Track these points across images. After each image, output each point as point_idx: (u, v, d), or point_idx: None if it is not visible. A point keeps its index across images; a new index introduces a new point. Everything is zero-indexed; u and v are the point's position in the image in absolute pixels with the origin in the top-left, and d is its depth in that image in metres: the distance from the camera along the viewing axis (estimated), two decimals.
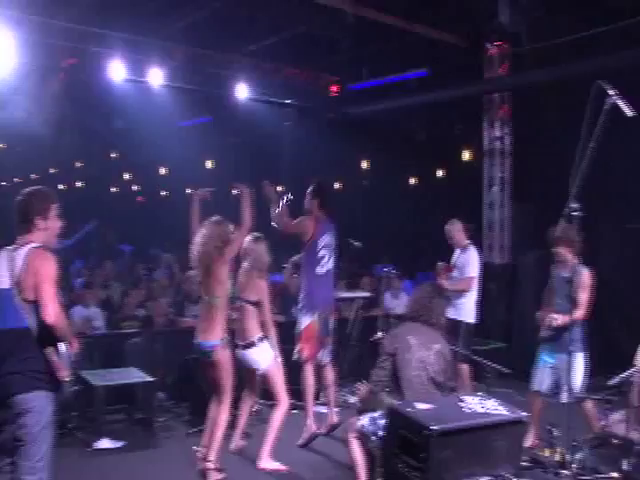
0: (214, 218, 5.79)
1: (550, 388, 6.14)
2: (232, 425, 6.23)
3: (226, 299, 5.67)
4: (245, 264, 6.13)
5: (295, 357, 6.69)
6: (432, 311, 5.01)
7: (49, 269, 3.93)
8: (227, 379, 5.64)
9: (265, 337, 6.01)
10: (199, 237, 5.70)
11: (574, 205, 4.93)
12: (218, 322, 5.59)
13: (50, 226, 4.11)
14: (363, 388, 5.14)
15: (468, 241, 7.79)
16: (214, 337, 5.56)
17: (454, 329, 7.24)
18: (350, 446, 4.91)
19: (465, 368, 7.43)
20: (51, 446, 4.00)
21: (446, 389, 4.95)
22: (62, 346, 3.99)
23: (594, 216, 5.44)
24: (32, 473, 3.91)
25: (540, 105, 9.84)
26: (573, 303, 5.81)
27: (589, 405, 6.04)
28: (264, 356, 5.98)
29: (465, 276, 7.54)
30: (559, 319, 5.88)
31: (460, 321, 7.38)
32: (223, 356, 5.58)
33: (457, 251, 7.81)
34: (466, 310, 7.49)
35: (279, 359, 6.09)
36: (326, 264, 6.68)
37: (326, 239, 6.70)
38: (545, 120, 9.59)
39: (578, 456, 5.25)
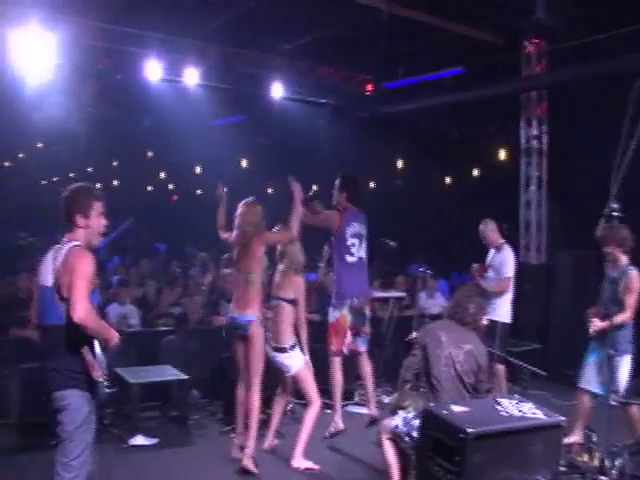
0: (248, 199, 6.02)
1: (596, 387, 6.05)
2: (265, 424, 6.25)
3: (261, 276, 5.85)
4: (281, 265, 6.13)
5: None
6: (467, 310, 4.96)
7: (84, 267, 3.89)
8: (259, 359, 5.76)
9: (297, 343, 6.04)
10: (236, 219, 5.91)
11: (614, 205, 4.84)
12: (254, 298, 5.76)
13: (92, 224, 4.06)
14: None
15: (502, 240, 7.71)
16: (251, 312, 5.73)
17: (490, 329, 7.15)
18: (383, 447, 4.89)
19: (501, 369, 7.36)
20: (89, 446, 3.99)
21: (481, 391, 4.89)
22: (97, 345, 3.99)
23: (635, 216, 5.32)
24: (68, 471, 3.94)
25: (577, 103, 9.67)
26: (619, 305, 5.77)
27: (635, 409, 5.94)
28: (294, 362, 6.01)
29: (502, 277, 7.46)
30: (597, 325, 5.82)
31: (496, 321, 7.29)
32: (258, 333, 5.73)
33: (492, 251, 7.73)
34: (502, 310, 7.43)
35: (309, 361, 6.10)
36: (357, 252, 6.62)
37: (355, 227, 6.65)
38: (583, 118, 9.42)
39: (617, 462, 5.14)
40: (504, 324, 7.42)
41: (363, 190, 7.00)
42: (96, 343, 3.99)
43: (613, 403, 5.52)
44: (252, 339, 5.70)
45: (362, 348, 6.81)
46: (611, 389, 5.53)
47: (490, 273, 7.63)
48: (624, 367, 5.87)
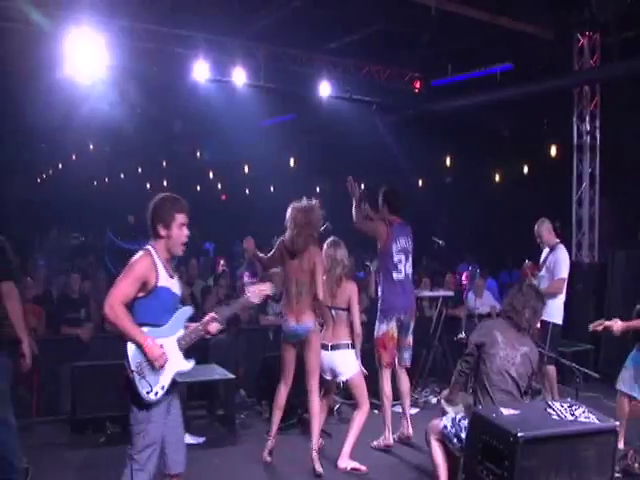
0: (306, 204, 5.86)
1: (634, 390, 5.96)
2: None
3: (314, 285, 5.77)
4: (330, 272, 6.06)
5: (377, 364, 6.59)
6: (523, 316, 4.82)
7: (131, 265, 4.02)
8: (317, 359, 5.79)
9: (351, 343, 6.01)
10: (291, 224, 5.81)
11: None
12: (310, 307, 5.77)
13: (172, 235, 4.12)
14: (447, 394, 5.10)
15: (557, 240, 7.56)
16: (309, 320, 5.76)
17: (542, 330, 7.06)
18: (431, 448, 4.81)
19: (552, 370, 7.21)
20: (155, 444, 4.01)
21: (532, 393, 4.78)
22: (130, 347, 4.01)
23: None
24: (133, 462, 4.01)
25: (631, 98, 9.42)
26: None
27: None
28: (349, 362, 5.97)
29: (556, 277, 7.31)
30: (619, 325, 5.73)
31: (548, 322, 7.15)
32: (316, 338, 5.79)
33: (546, 250, 7.58)
34: (554, 311, 7.27)
35: (362, 368, 6.07)
36: (404, 269, 6.53)
37: (401, 242, 6.55)
38: (636, 113, 9.17)
39: None
40: (556, 325, 7.27)
41: (405, 201, 6.87)
42: (130, 345, 4.00)
43: None
44: (311, 340, 5.76)
45: (407, 362, 6.71)
46: None
47: (543, 273, 7.49)
48: None
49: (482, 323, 5.11)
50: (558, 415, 4.04)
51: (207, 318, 4.22)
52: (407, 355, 6.66)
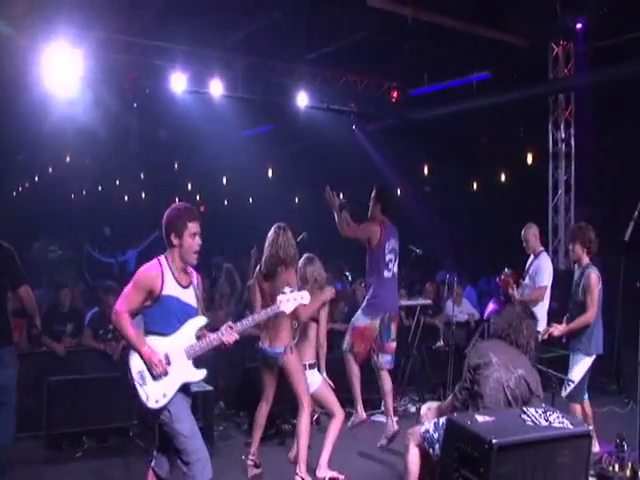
0: (281, 224, 5.89)
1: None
2: (289, 435, 6.22)
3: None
4: (306, 287, 6.04)
5: (345, 347, 6.63)
6: (522, 332, 4.72)
7: (137, 274, 4.19)
8: (299, 383, 5.72)
9: (315, 364, 6.04)
10: (267, 244, 5.82)
11: None
12: (284, 328, 5.71)
13: (184, 244, 4.20)
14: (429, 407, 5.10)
15: (541, 248, 7.58)
16: (280, 344, 5.70)
17: None
18: (408, 454, 4.71)
19: None
20: (192, 435, 4.15)
21: None
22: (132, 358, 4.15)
23: None
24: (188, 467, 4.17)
25: (605, 105, 9.53)
26: (579, 306, 6.21)
27: (577, 407, 6.16)
28: (311, 380, 5.97)
29: (537, 285, 7.33)
30: (558, 329, 6.21)
31: None
32: (290, 361, 5.70)
33: (530, 257, 7.61)
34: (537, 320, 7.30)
35: (326, 378, 6.11)
36: (392, 268, 6.61)
37: (392, 243, 6.61)
38: (610, 121, 9.29)
39: None
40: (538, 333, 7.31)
41: (397, 204, 6.92)
42: (133, 353, 4.14)
43: (563, 395, 6.06)
44: (286, 369, 5.72)
45: (387, 366, 6.72)
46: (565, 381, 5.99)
47: (527, 281, 7.50)
48: (581, 366, 6.14)
49: (478, 344, 4.99)
50: (533, 421, 4.05)
51: (223, 328, 4.26)
52: (384, 360, 6.65)
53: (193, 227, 4.22)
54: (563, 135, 10.42)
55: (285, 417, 6.95)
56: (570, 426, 4.03)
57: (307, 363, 5.98)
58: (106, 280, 9.54)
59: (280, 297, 4.50)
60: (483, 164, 13.54)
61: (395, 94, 12.64)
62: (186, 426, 4.16)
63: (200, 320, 4.27)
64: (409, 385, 8.45)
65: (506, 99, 10.86)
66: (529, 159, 12.19)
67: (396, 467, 6.04)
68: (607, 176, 9.60)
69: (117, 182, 22.97)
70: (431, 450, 4.60)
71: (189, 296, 4.24)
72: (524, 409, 4.22)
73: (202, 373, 4.26)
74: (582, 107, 10.32)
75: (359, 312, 6.69)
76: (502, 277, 7.64)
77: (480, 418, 4.04)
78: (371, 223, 6.61)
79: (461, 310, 9.73)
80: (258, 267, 5.97)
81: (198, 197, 23.75)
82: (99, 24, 9.25)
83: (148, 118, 13.51)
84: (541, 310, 7.33)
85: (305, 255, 6.17)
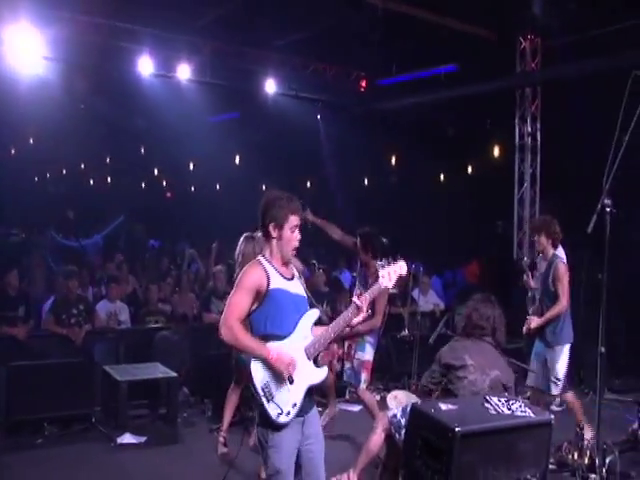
0: (248, 235, 5.84)
1: (540, 383, 6.24)
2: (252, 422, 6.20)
3: None
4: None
5: (363, 386, 6.43)
6: (502, 333, 4.76)
7: (239, 279, 3.80)
8: None
9: None
10: (239, 254, 5.82)
11: (607, 201, 4.83)
12: None
13: (284, 236, 3.84)
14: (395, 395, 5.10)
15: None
16: None
17: None
18: (372, 434, 4.76)
19: None
20: (280, 472, 3.69)
21: None
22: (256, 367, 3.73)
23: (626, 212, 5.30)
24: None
25: (571, 99, 9.63)
26: (551, 297, 6.18)
27: (570, 396, 6.24)
28: None
29: None
30: (534, 322, 6.17)
31: None
32: None
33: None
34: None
35: None
36: None
37: None
38: (576, 115, 9.40)
39: (607, 459, 5.11)
40: None
41: (383, 242, 6.81)
42: (254, 364, 3.70)
43: (555, 393, 6.09)
44: None
45: None
46: (552, 380, 6.00)
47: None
48: (562, 359, 6.12)
49: (453, 344, 4.82)
50: (495, 409, 4.09)
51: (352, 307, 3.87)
52: None
53: (294, 220, 3.85)
54: (529, 129, 10.52)
55: (250, 404, 6.91)
56: (532, 415, 4.08)
57: None
58: (68, 265, 9.42)
59: (381, 272, 4.04)
60: (450, 156, 13.60)
61: (363, 83, 12.63)
62: (281, 458, 3.70)
63: (314, 313, 3.89)
64: (374, 374, 8.48)
65: (473, 91, 10.91)
66: (495, 152, 12.28)
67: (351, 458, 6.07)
68: (573, 169, 9.72)
69: (82, 166, 22.65)
70: (397, 435, 4.63)
71: (297, 287, 3.90)
72: (487, 398, 4.27)
73: (324, 372, 3.86)
74: (549, 101, 10.42)
75: (367, 346, 6.42)
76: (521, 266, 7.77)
77: (444, 406, 4.07)
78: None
79: (427, 300, 9.80)
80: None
81: (165, 183, 23.58)
82: (63, 4, 9.06)
83: (114, 101, 13.33)
84: None
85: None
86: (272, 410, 3.64)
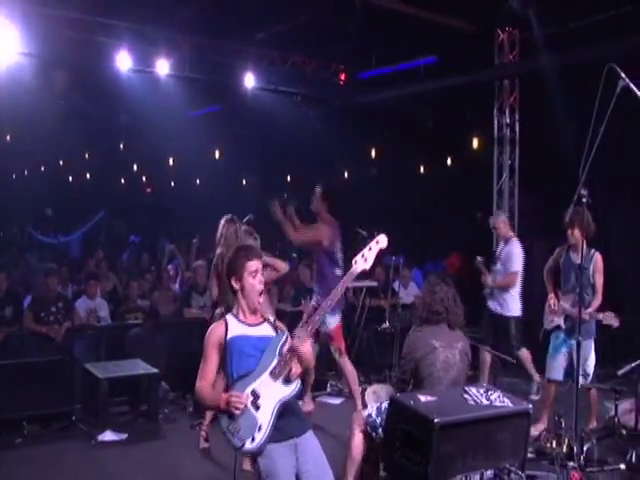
0: (228, 216, 5.95)
1: (565, 376, 6.20)
2: None
3: None
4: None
5: (336, 355, 6.81)
6: (459, 316, 4.78)
7: (205, 339, 3.91)
8: None
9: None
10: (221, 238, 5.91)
11: (583, 191, 4.87)
12: None
13: (245, 286, 3.89)
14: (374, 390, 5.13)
15: (512, 234, 7.74)
16: None
17: (501, 324, 7.47)
18: (352, 438, 4.78)
19: (487, 361, 7.37)
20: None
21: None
22: None
23: (602, 202, 5.35)
24: None
25: (548, 91, 9.68)
26: (592, 291, 6.02)
27: (594, 392, 6.16)
28: None
29: (509, 271, 7.48)
30: (590, 314, 5.90)
31: (509, 317, 7.42)
32: None
33: (500, 244, 7.73)
34: (513, 306, 7.52)
35: None
36: (342, 266, 6.76)
37: (340, 241, 6.81)
38: (553, 107, 9.45)
39: (585, 447, 5.16)
40: (517, 318, 7.52)
41: (340, 201, 7.03)
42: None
43: (588, 386, 5.96)
44: None
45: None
46: (582, 373, 5.71)
47: (498, 266, 7.64)
48: (592, 350, 6.08)
49: (416, 334, 4.79)
50: (474, 400, 4.11)
51: (295, 334, 3.86)
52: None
53: (252, 265, 3.90)
54: (508, 120, 10.57)
55: None
56: (510, 405, 4.11)
57: None
58: (47, 262, 9.37)
59: (355, 259, 3.92)
60: (430, 148, 13.65)
61: (343, 76, 12.60)
62: None
63: (279, 337, 3.88)
64: (355, 366, 8.50)
65: (452, 84, 10.93)
66: (475, 143, 12.33)
67: (341, 450, 6.07)
68: (551, 160, 9.78)
69: (60, 162, 22.47)
70: (374, 434, 4.67)
71: (263, 330, 3.91)
72: (465, 389, 4.29)
73: (292, 387, 3.80)
74: (527, 93, 10.47)
75: (327, 318, 6.57)
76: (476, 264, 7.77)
77: (422, 398, 4.08)
78: (320, 225, 6.74)
79: (407, 292, 9.83)
80: (216, 262, 5.90)
81: (144, 178, 23.45)
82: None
83: (92, 97, 13.23)
84: (514, 294, 7.53)
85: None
86: (237, 443, 3.68)
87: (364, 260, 3.89)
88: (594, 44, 8.73)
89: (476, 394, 4.18)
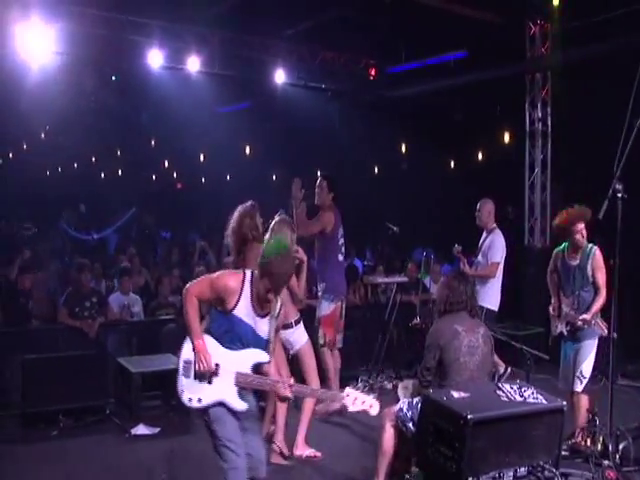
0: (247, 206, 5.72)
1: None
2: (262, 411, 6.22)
3: None
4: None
5: (321, 342, 6.84)
6: (475, 303, 4.95)
7: (220, 275, 4.11)
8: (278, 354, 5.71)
9: (300, 319, 6.01)
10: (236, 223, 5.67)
11: (618, 186, 4.79)
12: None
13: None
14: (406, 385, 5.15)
15: (494, 224, 7.54)
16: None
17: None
18: (384, 433, 4.77)
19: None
20: (228, 442, 4.02)
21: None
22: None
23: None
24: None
25: (581, 84, 9.55)
26: (591, 289, 5.83)
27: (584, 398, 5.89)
28: (296, 338, 5.96)
29: (490, 261, 7.32)
30: (586, 318, 5.70)
31: (482, 307, 7.16)
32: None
33: (484, 233, 7.59)
34: (488, 297, 7.26)
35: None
36: (344, 251, 7.02)
37: (342, 228, 7.00)
38: (587, 100, 9.32)
39: (620, 446, 5.09)
40: (490, 311, 7.18)
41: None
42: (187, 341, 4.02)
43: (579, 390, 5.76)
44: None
45: (340, 344, 7.19)
46: (577, 375, 5.77)
47: (479, 258, 7.48)
48: (593, 351, 5.87)
49: (437, 325, 4.86)
50: (507, 397, 4.10)
51: (282, 380, 4.02)
52: (341, 337, 7.19)
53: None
54: (540, 114, 10.45)
55: (261, 394, 6.94)
56: (544, 402, 4.09)
57: (292, 320, 5.88)
58: (81, 258, 9.49)
59: (348, 391, 3.93)
60: (460, 142, 13.55)
61: (373, 72, 12.56)
62: (225, 431, 3.97)
63: (262, 356, 3.99)
64: (385, 362, 8.49)
65: (483, 78, 10.84)
66: (506, 138, 12.22)
67: (372, 443, 6.07)
68: (584, 155, 9.65)
69: (93, 159, 22.73)
70: (404, 428, 4.66)
71: (263, 326, 3.98)
72: (499, 385, 4.28)
73: (245, 405, 3.98)
74: (560, 86, 10.33)
75: (321, 301, 6.91)
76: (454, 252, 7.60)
77: (456, 394, 4.09)
78: (325, 213, 6.90)
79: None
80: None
81: (175, 174, 23.62)
82: None
83: (124, 94, 13.36)
84: (494, 286, 7.33)
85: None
86: (180, 385, 4.01)
87: (352, 402, 3.86)
88: (626, 35, 8.59)
89: (509, 390, 4.18)
